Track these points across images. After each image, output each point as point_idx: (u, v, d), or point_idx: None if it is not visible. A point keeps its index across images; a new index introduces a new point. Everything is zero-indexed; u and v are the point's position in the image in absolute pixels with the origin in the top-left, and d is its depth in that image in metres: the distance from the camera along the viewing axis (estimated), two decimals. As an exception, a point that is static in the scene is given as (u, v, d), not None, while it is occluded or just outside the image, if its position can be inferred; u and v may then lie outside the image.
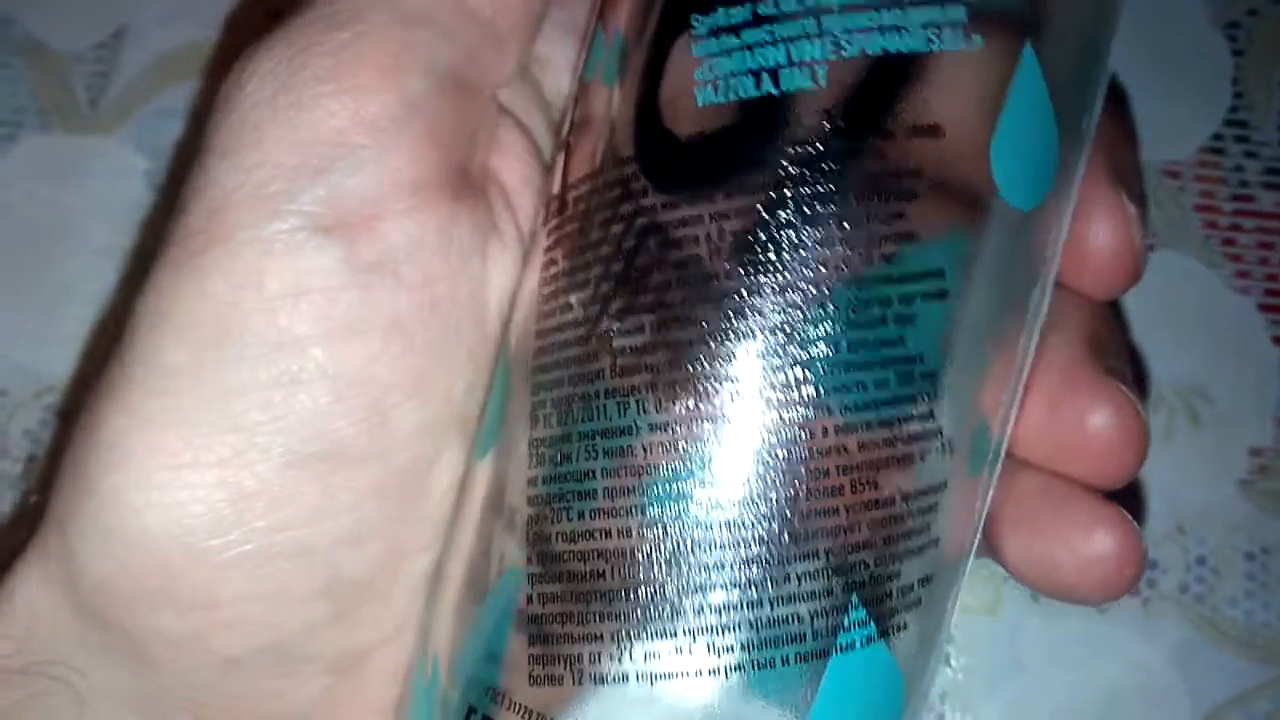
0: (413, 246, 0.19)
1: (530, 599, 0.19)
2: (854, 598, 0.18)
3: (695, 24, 0.18)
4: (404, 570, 0.21)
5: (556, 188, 0.20)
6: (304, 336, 0.19)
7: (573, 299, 0.19)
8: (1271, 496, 0.33)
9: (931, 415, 0.18)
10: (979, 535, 0.20)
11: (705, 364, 0.18)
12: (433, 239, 0.19)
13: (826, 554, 0.18)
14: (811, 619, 0.18)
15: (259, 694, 0.20)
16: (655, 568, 0.18)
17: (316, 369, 0.19)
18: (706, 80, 0.18)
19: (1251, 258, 0.34)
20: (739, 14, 0.18)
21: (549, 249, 0.20)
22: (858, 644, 0.18)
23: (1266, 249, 0.34)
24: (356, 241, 0.19)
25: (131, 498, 0.19)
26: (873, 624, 0.18)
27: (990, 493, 0.19)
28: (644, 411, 0.18)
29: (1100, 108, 0.19)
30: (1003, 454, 0.19)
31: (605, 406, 0.18)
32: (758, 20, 0.17)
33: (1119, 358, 0.21)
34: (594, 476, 0.18)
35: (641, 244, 0.18)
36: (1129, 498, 0.20)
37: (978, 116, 0.17)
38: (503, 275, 0.21)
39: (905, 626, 0.18)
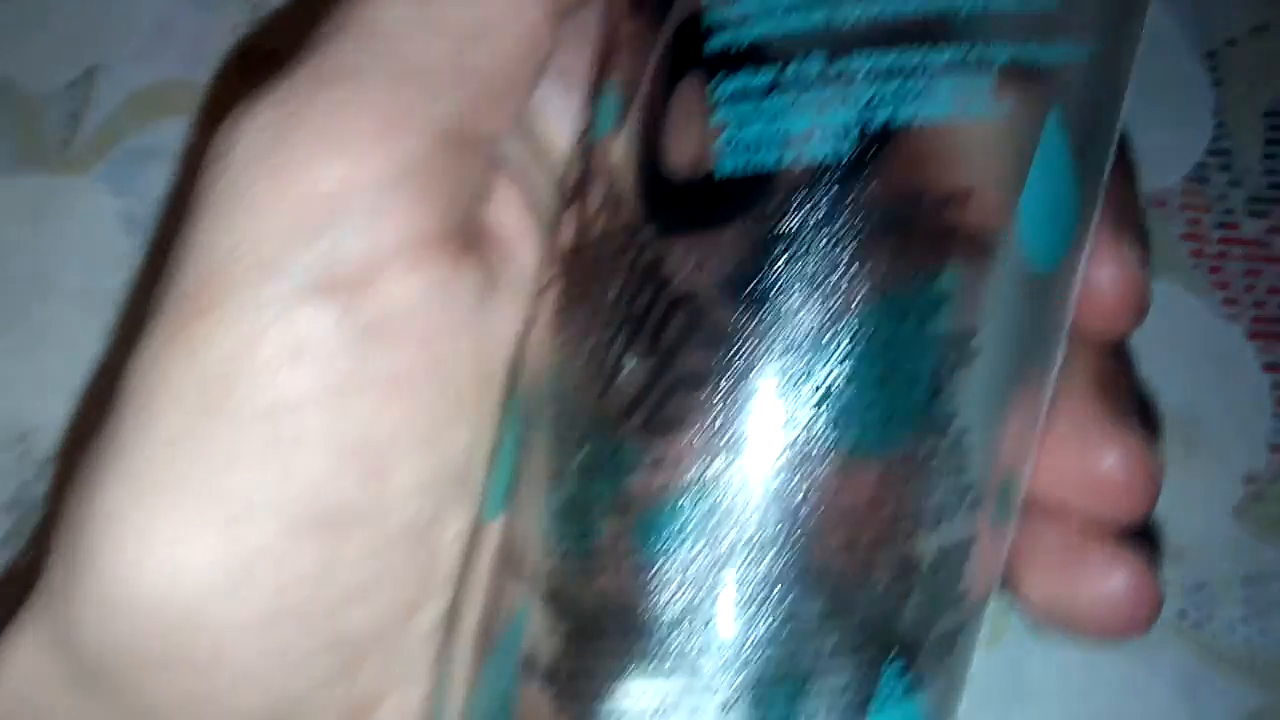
0: (414, 304, 0.19)
1: (543, 647, 0.18)
2: (891, 652, 0.18)
3: (713, 88, 0.18)
4: (410, 623, 0.21)
5: (562, 240, 0.20)
6: (301, 399, 0.18)
7: (579, 347, 0.19)
8: (1265, 523, 0.33)
9: (962, 470, 0.18)
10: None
11: (719, 411, 0.17)
12: (434, 296, 0.19)
13: (858, 607, 0.18)
14: (847, 672, 0.17)
15: None
16: (675, 613, 0.17)
17: (315, 431, 0.18)
18: (726, 148, 0.17)
19: (1239, 285, 0.34)
20: (761, 79, 0.17)
21: (555, 300, 0.20)
22: (896, 696, 0.18)
23: (1253, 276, 0.34)
24: (355, 302, 0.18)
25: (132, 569, 0.18)
26: (909, 676, 0.18)
27: (1010, 536, 0.19)
28: (654, 453, 0.18)
29: (1114, 154, 0.19)
30: (1021, 498, 0.19)
31: (616, 449, 0.18)
32: (780, 86, 0.17)
33: (1128, 397, 0.21)
34: (605, 521, 0.18)
35: (645, 288, 0.18)
36: (1144, 535, 0.20)
37: (1005, 184, 0.17)
38: (506, 328, 0.21)
39: (938, 676, 0.18)
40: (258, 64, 0.36)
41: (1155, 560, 0.20)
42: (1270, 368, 0.34)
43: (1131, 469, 0.20)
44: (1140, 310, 0.20)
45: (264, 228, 0.18)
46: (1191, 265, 0.35)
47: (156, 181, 0.35)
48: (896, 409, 0.17)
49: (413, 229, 0.19)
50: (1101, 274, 0.20)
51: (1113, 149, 0.19)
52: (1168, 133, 0.35)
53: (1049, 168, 0.18)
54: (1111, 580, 0.20)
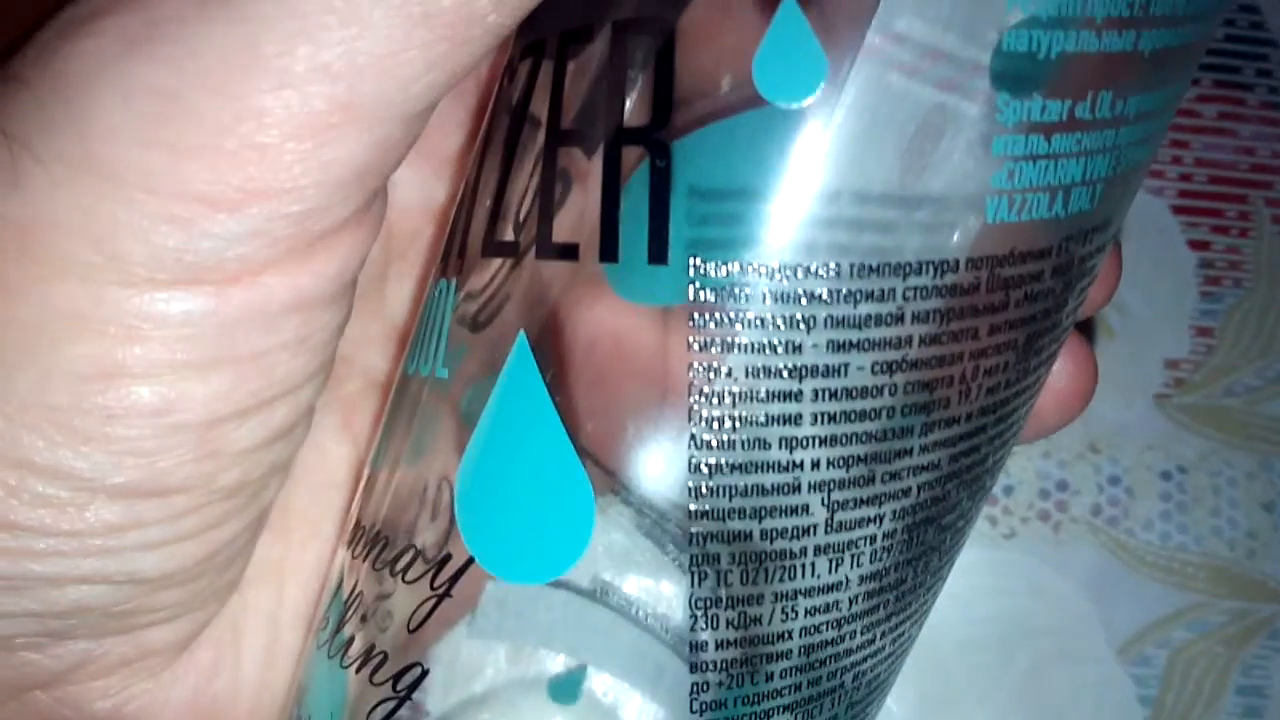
0: (287, 302, 0.16)
1: None
2: None
3: None
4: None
5: None
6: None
7: None
8: (1188, 411, 0.30)
9: None
10: None
11: None
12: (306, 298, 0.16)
13: None
14: None
15: None
16: None
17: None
18: None
19: (1163, 156, 0.32)
20: None
21: None
22: None
23: (1179, 148, 0.32)
24: (220, 294, 0.15)
25: None
26: None
27: None
28: None
29: None
30: None
31: None
32: None
33: None
34: None
35: None
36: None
37: None
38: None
39: None
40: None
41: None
42: (1196, 244, 0.31)
43: None
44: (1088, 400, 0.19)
45: (120, 208, 0.14)
46: (1115, 135, 0.32)
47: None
48: None
49: (309, 230, 0.15)
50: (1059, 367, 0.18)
51: None
52: None
53: None
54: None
